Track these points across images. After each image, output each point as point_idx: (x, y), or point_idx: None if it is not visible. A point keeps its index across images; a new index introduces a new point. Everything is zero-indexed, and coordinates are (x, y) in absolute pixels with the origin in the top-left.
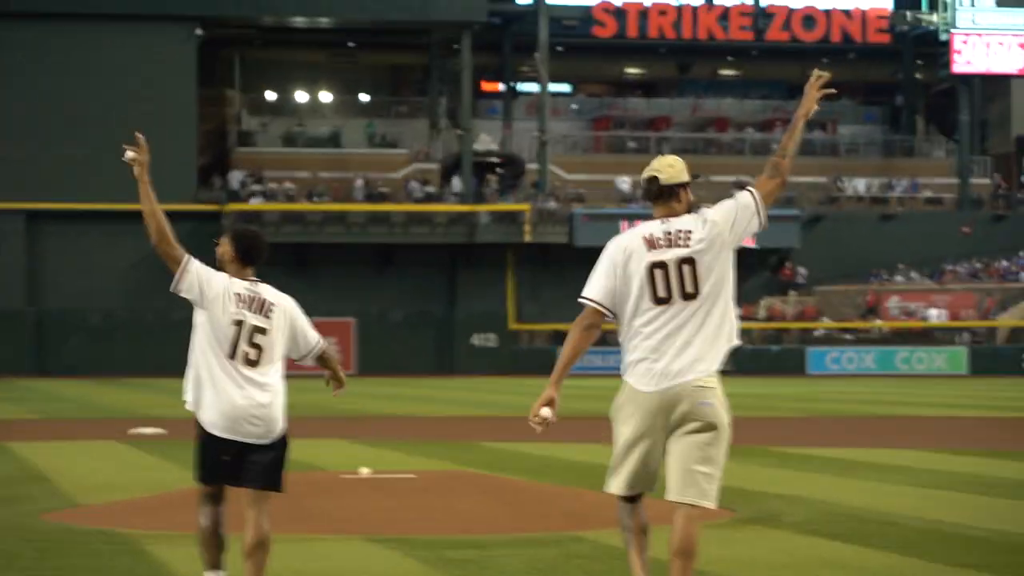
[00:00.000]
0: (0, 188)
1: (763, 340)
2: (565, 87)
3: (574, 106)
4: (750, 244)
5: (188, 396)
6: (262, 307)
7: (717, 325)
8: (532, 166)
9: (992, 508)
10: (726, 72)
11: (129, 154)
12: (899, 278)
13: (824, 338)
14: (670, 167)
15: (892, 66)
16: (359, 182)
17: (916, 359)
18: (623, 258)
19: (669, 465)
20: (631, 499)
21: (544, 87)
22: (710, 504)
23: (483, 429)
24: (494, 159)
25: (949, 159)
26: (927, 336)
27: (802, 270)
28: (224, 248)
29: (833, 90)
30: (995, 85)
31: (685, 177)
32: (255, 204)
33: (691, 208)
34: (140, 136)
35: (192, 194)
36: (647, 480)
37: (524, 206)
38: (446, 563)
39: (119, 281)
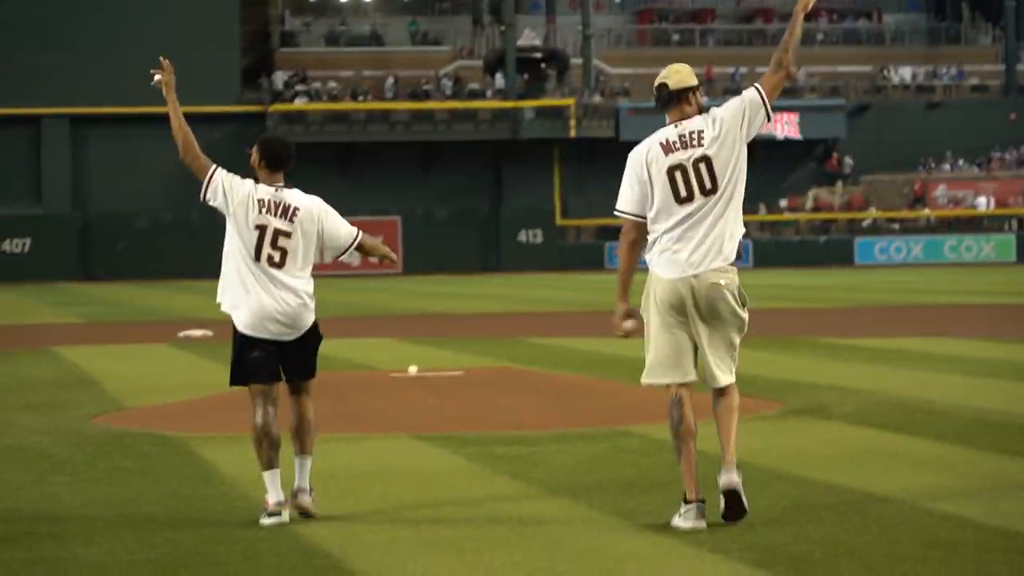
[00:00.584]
0: (43, 94)
1: (810, 231)
2: None
3: (618, 0)
4: (794, 135)
5: (221, 299)
6: (286, 211)
7: (733, 219)
8: (576, 61)
9: None
10: None
11: (157, 77)
12: (946, 166)
13: (871, 228)
14: (677, 73)
15: None
16: (389, 80)
17: (964, 247)
18: (644, 166)
19: (701, 354)
20: (678, 400)
21: None
22: (722, 379)
23: (530, 325)
24: (538, 54)
25: (995, 46)
26: (975, 224)
27: (849, 160)
28: (253, 155)
29: None
30: None
31: (693, 81)
32: (299, 104)
33: (701, 111)
34: (164, 60)
35: (236, 95)
36: (680, 368)
37: (569, 101)
38: (495, 460)
39: (164, 184)
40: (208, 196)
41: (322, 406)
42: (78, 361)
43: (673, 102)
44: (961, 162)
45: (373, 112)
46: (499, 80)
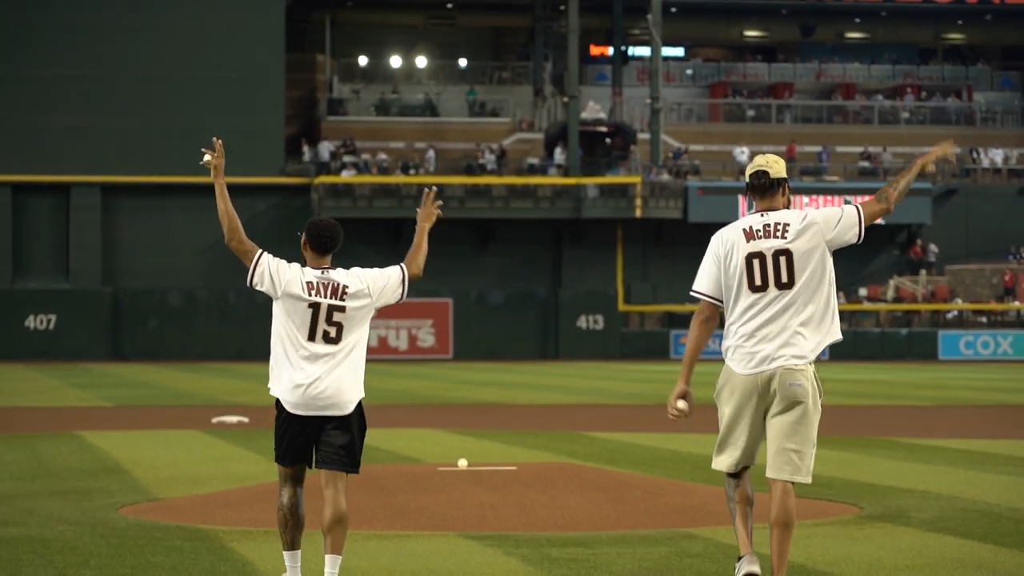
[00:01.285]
0: (75, 160)
1: (891, 323)
2: (679, 51)
3: (689, 71)
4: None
5: (271, 383)
6: (335, 290)
7: (816, 319)
8: (643, 136)
9: None
10: (853, 35)
11: (207, 157)
12: None
13: (957, 320)
14: (776, 163)
15: None
16: (430, 153)
17: None
18: (725, 250)
19: (768, 444)
20: (736, 474)
21: (657, 51)
22: (804, 479)
23: (589, 418)
24: (602, 128)
25: None
26: None
27: (934, 248)
28: (302, 239)
29: (953, 158)
30: None
31: (785, 174)
32: (346, 177)
33: (789, 204)
34: (217, 141)
35: (280, 166)
36: (748, 456)
37: (635, 179)
38: (551, 562)
39: (200, 260)
40: (255, 281)
41: (365, 501)
42: (105, 447)
43: (769, 191)
44: None
45: (425, 186)
46: (559, 155)
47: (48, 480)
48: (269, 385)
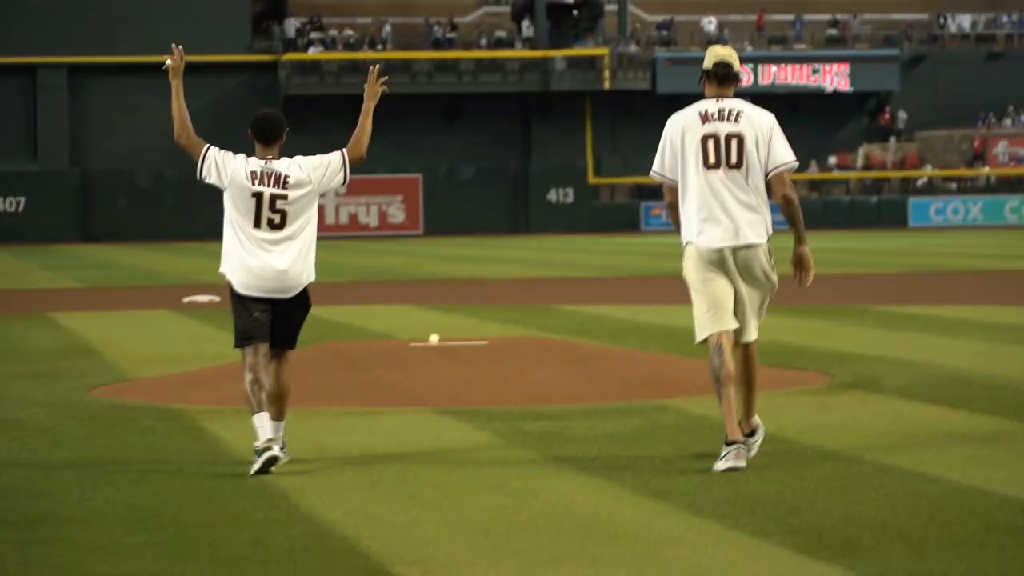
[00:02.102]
0: (40, 41)
1: (861, 191)
2: None
3: None
4: (844, 88)
5: (223, 266)
6: (278, 180)
7: (762, 198)
8: (611, 7)
9: None
10: None
11: (168, 62)
12: (1008, 121)
13: (927, 187)
14: (735, 58)
15: None
16: (387, 28)
17: None
18: (679, 132)
19: (739, 309)
20: (719, 345)
21: None
22: (747, 336)
23: (560, 291)
24: (569, 1)
25: None
26: None
27: (902, 115)
28: (249, 131)
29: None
30: None
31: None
32: (313, 53)
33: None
34: (177, 47)
35: (246, 44)
36: (725, 317)
37: (602, 50)
38: (523, 436)
39: (167, 140)
40: (204, 174)
41: (337, 378)
42: (77, 328)
43: (726, 80)
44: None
45: (392, 62)
46: (527, 28)
47: (20, 362)
48: (220, 268)
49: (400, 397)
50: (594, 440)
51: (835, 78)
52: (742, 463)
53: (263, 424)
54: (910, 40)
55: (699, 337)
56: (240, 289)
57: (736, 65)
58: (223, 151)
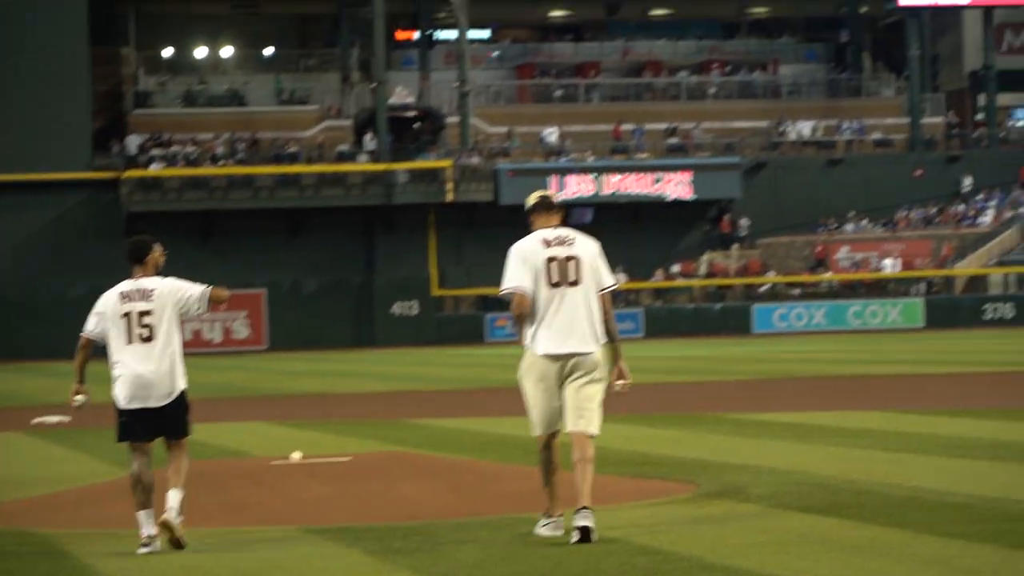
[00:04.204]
0: None
1: (705, 298)
2: (485, 33)
3: (495, 53)
4: (686, 196)
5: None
6: (145, 294)
7: (595, 309)
8: (452, 120)
9: (971, 471)
10: (658, 11)
11: (78, 398)
12: (849, 227)
13: (770, 294)
14: (550, 192)
15: None
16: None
17: (869, 313)
18: (526, 256)
19: (567, 407)
20: (548, 443)
21: (463, 34)
22: (595, 430)
23: (411, 405)
24: (411, 113)
25: (899, 98)
26: (880, 288)
27: (744, 222)
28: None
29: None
30: (945, 17)
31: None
32: (155, 170)
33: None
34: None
35: (87, 161)
36: (555, 420)
37: (445, 163)
38: (394, 553)
39: (7, 258)
40: (99, 339)
41: (200, 498)
42: None
43: (553, 210)
44: (864, 222)
45: (235, 177)
46: (369, 141)
47: None
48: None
49: (267, 516)
50: (467, 556)
51: (676, 187)
52: (561, 532)
53: (147, 521)
54: (750, 147)
55: (533, 434)
56: (122, 404)
57: (555, 198)
58: (95, 306)
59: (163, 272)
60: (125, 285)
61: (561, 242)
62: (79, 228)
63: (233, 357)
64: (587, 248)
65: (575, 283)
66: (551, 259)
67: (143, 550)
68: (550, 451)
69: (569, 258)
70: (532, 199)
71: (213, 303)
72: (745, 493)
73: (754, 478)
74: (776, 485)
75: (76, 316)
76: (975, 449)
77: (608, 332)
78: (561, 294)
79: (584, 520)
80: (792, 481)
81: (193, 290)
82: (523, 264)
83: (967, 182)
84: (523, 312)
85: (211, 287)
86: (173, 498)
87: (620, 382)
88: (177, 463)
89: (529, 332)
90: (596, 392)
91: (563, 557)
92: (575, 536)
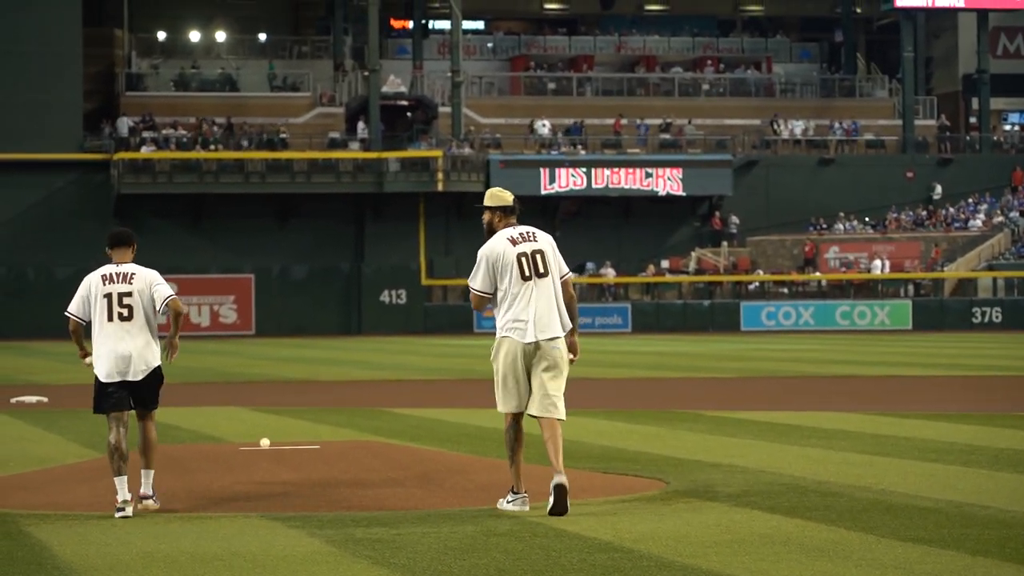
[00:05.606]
0: None
1: (694, 295)
2: (479, 24)
3: (489, 44)
4: (677, 191)
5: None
6: (125, 277)
7: (559, 298)
8: (444, 109)
9: (942, 476)
10: (653, 7)
11: (87, 361)
12: (839, 227)
13: (758, 292)
14: (507, 193)
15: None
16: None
17: (857, 314)
18: (496, 255)
19: (533, 393)
20: (515, 420)
21: (457, 24)
22: (562, 416)
23: (393, 394)
24: (404, 102)
25: (892, 99)
26: (869, 289)
27: (735, 219)
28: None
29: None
30: (940, 20)
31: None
32: (145, 152)
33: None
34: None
35: (78, 142)
36: (523, 400)
37: (436, 152)
38: (355, 543)
39: None
40: (84, 318)
41: (166, 482)
42: None
43: (514, 211)
44: (855, 223)
45: (225, 162)
46: (361, 130)
47: None
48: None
49: (230, 503)
50: (427, 548)
51: (667, 182)
52: (527, 508)
53: (122, 487)
54: (742, 145)
55: (501, 410)
56: (102, 378)
57: (512, 199)
58: (80, 288)
59: (152, 253)
60: (107, 268)
61: (526, 238)
62: (69, 209)
63: (220, 341)
64: (548, 241)
65: (544, 275)
66: (521, 255)
67: (119, 515)
68: (517, 427)
69: (536, 252)
70: (493, 199)
71: (172, 311)
72: (713, 492)
73: (725, 477)
74: (746, 484)
75: (63, 296)
76: (948, 453)
77: (569, 312)
78: (533, 285)
79: (559, 478)
80: (762, 481)
81: (164, 289)
82: (489, 270)
83: (938, 189)
84: (478, 309)
85: (175, 297)
86: (147, 483)
87: (568, 356)
88: (147, 434)
89: (501, 320)
90: (563, 383)
91: (523, 552)
92: (551, 499)
